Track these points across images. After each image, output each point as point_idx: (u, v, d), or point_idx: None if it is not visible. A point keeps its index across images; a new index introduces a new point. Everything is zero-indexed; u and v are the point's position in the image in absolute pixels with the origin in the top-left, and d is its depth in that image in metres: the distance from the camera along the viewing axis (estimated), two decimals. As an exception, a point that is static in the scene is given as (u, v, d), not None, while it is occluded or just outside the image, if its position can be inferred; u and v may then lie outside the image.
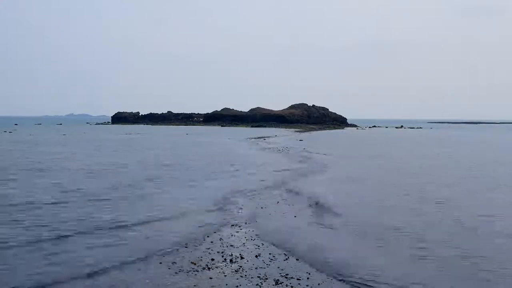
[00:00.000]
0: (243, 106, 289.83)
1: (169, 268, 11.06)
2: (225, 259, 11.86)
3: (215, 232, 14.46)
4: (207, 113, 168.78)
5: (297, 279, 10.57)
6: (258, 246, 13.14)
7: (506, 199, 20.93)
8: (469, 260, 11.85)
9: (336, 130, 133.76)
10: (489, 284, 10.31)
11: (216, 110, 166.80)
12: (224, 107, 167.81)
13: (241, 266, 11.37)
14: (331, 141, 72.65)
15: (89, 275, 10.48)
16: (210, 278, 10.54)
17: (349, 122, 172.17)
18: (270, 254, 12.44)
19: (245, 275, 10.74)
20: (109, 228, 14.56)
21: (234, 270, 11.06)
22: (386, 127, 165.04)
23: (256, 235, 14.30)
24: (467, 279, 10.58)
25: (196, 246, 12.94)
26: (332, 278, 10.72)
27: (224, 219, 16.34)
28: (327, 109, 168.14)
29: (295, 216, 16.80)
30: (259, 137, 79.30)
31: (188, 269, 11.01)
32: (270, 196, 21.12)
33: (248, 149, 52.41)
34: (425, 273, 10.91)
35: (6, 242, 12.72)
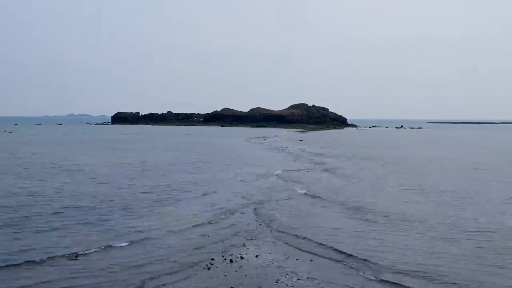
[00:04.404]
0: (243, 106, 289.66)
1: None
2: (225, 259, 11.91)
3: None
4: (207, 113, 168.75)
5: (297, 278, 10.60)
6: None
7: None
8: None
9: (336, 130, 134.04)
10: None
11: (216, 110, 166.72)
12: (224, 107, 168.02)
13: (241, 266, 11.43)
14: (331, 142, 72.68)
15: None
16: (210, 278, 10.59)
17: (349, 122, 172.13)
18: (270, 254, 12.48)
19: (245, 275, 10.79)
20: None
21: (234, 270, 11.11)
22: (386, 127, 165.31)
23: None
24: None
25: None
26: (331, 278, 10.76)
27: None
28: (327, 109, 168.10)
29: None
30: (260, 137, 79.35)
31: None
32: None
33: (255, 151, 52.49)
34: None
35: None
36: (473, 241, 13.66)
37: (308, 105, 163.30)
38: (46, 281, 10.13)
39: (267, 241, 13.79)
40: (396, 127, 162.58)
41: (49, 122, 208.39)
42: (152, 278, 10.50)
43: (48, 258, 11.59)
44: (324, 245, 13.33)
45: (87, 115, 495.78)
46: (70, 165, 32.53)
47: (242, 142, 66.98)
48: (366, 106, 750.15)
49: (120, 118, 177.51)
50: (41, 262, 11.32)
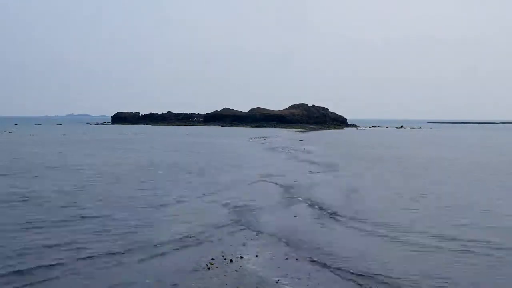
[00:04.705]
0: (243, 106, 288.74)
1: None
2: (225, 259, 11.90)
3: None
4: (207, 113, 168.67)
5: (298, 278, 10.60)
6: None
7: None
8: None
9: (336, 130, 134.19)
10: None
11: (216, 110, 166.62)
12: (224, 107, 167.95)
13: (241, 266, 11.42)
14: (331, 142, 72.73)
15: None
16: (210, 278, 10.58)
17: (349, 122, 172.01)
18: (270, 254, 12.47)
19: (245, 275, 10.79)
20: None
21: (234, 270, 11.11)
22: (386, 127, 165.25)
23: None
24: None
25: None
26: (330, 278, 10.75)
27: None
28: (327, 109, 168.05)
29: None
30: (260, 137, 79.36)
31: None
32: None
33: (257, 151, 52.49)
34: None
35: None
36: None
37: (308, 105, 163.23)
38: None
39: (267, 241, 13.79)
40: (396, 127, 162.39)
41: (49, 122, 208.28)
42: (152, 278, 10.49)
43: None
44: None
45: (87, 115, 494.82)
46: (70, 165, 32.53)
47: (243, 142, 66.93)
48: (366, 106, 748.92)
49: (120, 118, 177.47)
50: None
